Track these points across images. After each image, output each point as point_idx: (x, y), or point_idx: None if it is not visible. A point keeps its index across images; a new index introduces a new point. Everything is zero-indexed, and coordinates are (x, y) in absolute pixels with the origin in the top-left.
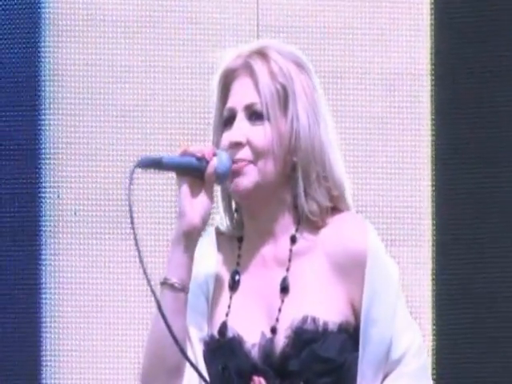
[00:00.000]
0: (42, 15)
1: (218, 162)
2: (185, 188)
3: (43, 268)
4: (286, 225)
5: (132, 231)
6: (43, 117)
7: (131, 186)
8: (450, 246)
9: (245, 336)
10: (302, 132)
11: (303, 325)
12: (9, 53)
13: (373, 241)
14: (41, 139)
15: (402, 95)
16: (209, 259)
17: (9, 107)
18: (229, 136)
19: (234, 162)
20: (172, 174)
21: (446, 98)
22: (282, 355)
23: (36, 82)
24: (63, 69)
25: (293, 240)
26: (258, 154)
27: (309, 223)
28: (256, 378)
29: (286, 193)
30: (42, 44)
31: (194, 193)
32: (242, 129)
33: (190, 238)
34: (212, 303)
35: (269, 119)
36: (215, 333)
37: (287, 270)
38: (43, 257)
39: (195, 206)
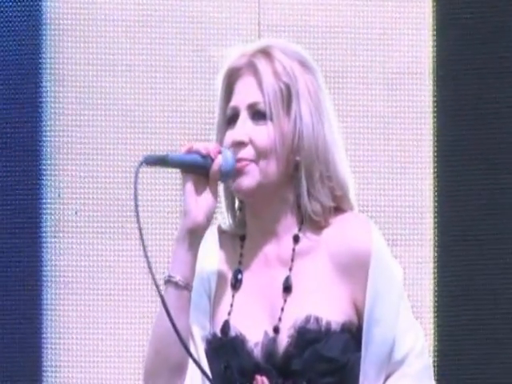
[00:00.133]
0: (43, 14)
1: (222, 159)
2: (189, 185)
3: (44, 268)
4: (288, 224)
5: (137, 227)
6: (44, 116)
7: (137, 183)
8: (452, 245)
9: (247, 335)
10: (305, 131)
11: (306, 324)
12: (10, 52)
13: (377, 241)
14: (42, 139)
15: (404, 94)
16: (211, 257)
17: (10, 106)
18: (232, 135)
19: (237, 161)
20: (176, 172)
21: (447, 97)
22: (285, 354)
23: (37, 82)
24: (64, 68)
25: (296, 240)
26: (261, 154)
27: (312, 223)
28: (259, 377)
29: (289, 192)
30: (43, 43)
31: (199, 190)
32: (244, 128)
33: (194, 236)
34: (214, 302)
35: (271, 119)
36: (218, 331)
37: (290, 269)
38: (44, 256)
39: (200, 203)
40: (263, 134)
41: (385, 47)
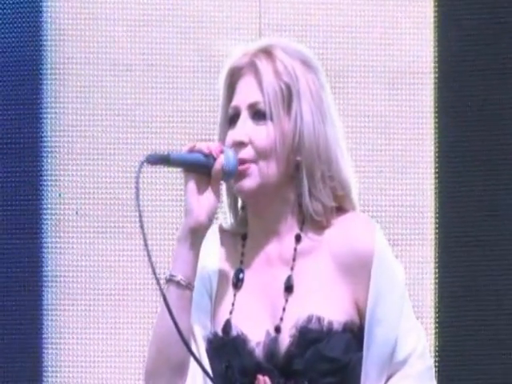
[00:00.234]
0: (44, 13)
1: (225, 159)
2: (191, 185)
3: (45, 267)
4: (290, 224)
5: (140, 226)
6: (45, 115)
7: (139, 182)
8: (453, 245)
9: (249, 334)
10: (306, 131)
11: (308, 324)
12: (10, 51)
13: (379, 241)
14: (42, 137)
15: (406, 94)
16: (212, 256)
17: (10, 105)
18: (232, 135)
19: (238, 162)
20: (178, 171)
21: (449, 96)
22: (287, 354)
23: (37, 80)
24: (65, 67)
25: (297, 239)
26: (261, 154)
27: (313, 223)
28: (261, 377)
29: (291, 192)
30: (44, 42)
31: (201, 190)
32: (245, 128)
33: (195, 235)
34: (215, 301)
35: (272, 119)
36: (219, 331)
37: (291, 269)
38: (45, 256)
39: (202, 202)
40: (263, 134)
41: (386, 46)
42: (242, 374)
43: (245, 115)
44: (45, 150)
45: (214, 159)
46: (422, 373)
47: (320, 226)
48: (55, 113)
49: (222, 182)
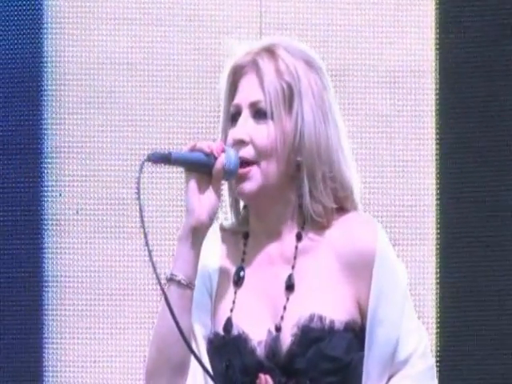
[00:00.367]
0: (45, 13)
1: (226, 158)
2: (192, 184)
3: (45, 267)
4: (291, 225)
5: (141, 225)
6: (45, 115)
7: (140, 181)
8: (454, 245)
9: (250, 333)
10: (307, 130)
11: (310, 323)
12: (11, 51)
13: (381, 240)
14: (43, 138)
15: (407, 93)
16: (213, 255)
17: (11, 106)
18: (233, 133)
19: (239, 164)
20: (179, 170)
21: (450, 95)
22: (289, 353)
23: (38, 81)
24: (65, 67)
25: (299, 237)
26: (261, 154)
27: (314, 223)
28: (262, 376)
29: (291, 193)
30: (44, 42)
31: (202, 189)
32: (246, 127)
33: (197, 235)
34: (215, 299)
35: (272, 118)
36: (220, 329)
37: (293, 267)
38: (45, 256)
39: (203, 202)
40: (263, 134)
41: (387, 45)
42: (243, 373)
43: (246, 114)
44: (44, 149)
45: (215, 158)
46: (424, 373)
47: (321, 227)
48: (56, 112)
49: (223, 181)
